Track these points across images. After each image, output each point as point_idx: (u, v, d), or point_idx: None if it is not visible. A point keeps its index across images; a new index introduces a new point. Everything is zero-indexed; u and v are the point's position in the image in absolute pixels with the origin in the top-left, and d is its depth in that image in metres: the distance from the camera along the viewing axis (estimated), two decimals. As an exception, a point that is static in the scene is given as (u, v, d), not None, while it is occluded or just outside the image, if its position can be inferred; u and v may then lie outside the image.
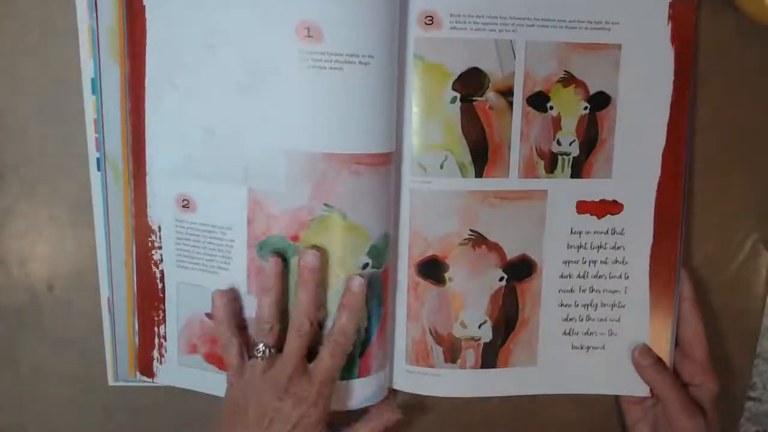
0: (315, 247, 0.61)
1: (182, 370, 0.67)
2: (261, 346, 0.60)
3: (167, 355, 0.66)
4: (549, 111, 0.65)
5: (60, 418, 0.70)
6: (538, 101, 0.65)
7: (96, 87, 0.62)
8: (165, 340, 0.66)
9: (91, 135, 0.63)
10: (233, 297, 0.63)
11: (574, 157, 0.66)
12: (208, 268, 0.63)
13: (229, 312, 0.62)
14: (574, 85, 0.65)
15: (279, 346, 0.61)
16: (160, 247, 0.64)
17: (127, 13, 0.60)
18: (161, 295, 0.65)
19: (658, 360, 0.67)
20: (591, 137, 0.66)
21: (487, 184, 0.65)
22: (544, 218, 0.67)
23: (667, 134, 0.66)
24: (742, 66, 0.68)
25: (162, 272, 0.64)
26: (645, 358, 0.67)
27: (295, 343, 0.60)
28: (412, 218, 0.65)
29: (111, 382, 0.68)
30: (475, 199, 0.65)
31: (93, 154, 0.63)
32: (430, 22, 0.62)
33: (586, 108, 0.65)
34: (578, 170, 0.66)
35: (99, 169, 0.63)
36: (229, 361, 0.61)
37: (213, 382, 0.66)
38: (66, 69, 0.63)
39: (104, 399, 0.69)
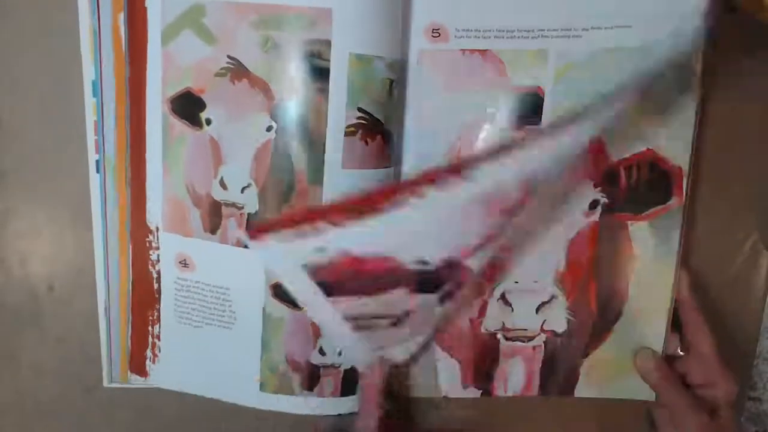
0: None
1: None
2: None
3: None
4: None
5: (60, 418, 0.70)
6: None
7: (97, 89, 0.61)
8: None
9: (91, 137, 0.63)
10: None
11: None
12: None
13: (378, 389, 0.63)
14: None
15: None
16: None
17: (129, 13, 0.60)
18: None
19: (661, 363, 0.67)
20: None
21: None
22: None
23: None
24: (742, 66, 0.67)
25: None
26: (647, 362, 0.67)
27: None
28: None
29: (106, 384, 0.68)
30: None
31: (92, 156, 0.63)
32: None
33: None
34: None
35: (98, 171, 0.63)
36: None
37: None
38: (67, 70, 0.62)
39: (104, 399, 0.69)
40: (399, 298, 0.58)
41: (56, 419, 0.70)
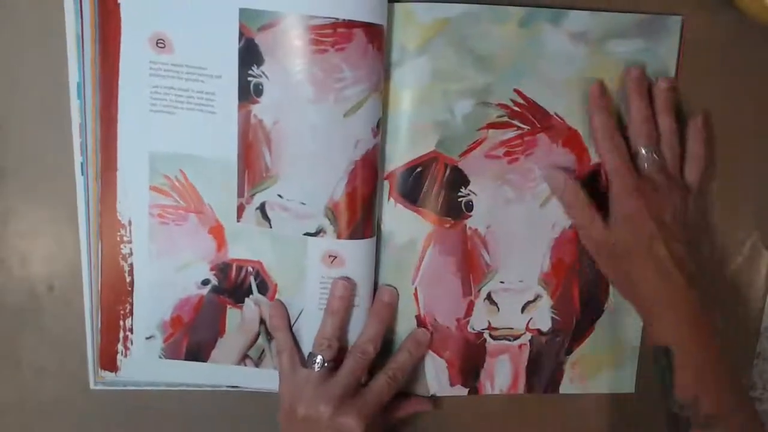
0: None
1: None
2: (319, 359, 0.63)
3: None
4: None
5: (60, 418, 0.71)
6: None
7: (80, 92, 0.62)
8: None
9: (76, 140, 0.63)
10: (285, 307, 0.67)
11: None
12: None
13: (287, 320, 0.66)
14: None
15: (335, 363, 0.63)
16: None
17: (101, 11, 0.61)
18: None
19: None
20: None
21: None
22: None
23: None
24: (742, 66, 0.67)
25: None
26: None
27: (356, 364, 0.63)
28: None
29: (92, 386, 0.69)
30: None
31: (78, 159, 0.64)
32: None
33: None
34: None
35: (82, 174, 0.64)
36: (281, 366, 0.65)
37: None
38: (65, 70, 0.62)
39: (104, 398, 0.70)
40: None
41: (56, 418, 0.71)
